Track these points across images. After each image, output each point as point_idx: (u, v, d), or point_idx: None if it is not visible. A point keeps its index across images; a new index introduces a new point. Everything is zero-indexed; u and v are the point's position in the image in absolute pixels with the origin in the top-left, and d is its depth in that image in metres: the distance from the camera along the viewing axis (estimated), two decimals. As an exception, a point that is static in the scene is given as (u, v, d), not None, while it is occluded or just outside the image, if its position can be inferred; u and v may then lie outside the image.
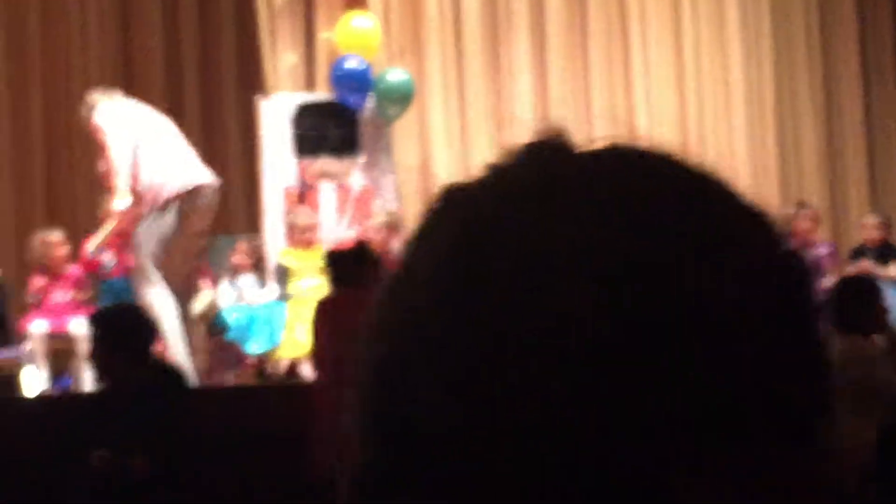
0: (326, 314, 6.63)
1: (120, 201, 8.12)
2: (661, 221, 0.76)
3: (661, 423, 0.72)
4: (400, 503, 0.77)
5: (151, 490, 5.64)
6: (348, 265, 6.77)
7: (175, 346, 7.98)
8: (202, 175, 8.34)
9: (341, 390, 5.57)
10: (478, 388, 0.74)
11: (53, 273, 9.11)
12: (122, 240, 8.70)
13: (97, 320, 6.24)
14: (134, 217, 8.15)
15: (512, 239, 0.76)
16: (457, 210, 0.81)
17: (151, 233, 8.08)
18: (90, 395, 6.95)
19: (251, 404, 7.51)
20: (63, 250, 9.14)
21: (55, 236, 9.22)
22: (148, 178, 8.09)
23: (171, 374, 6.12)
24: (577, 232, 0.75)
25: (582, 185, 0.78)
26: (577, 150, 0.82)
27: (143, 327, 6.14)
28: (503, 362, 0.73)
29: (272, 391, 8.21)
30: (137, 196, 8.09)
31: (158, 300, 8.00)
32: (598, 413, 0.72)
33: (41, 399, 7.49)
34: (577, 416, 0.72)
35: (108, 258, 9.07)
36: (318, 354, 6.63)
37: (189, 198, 8.15)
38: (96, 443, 5.70)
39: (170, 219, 8.07)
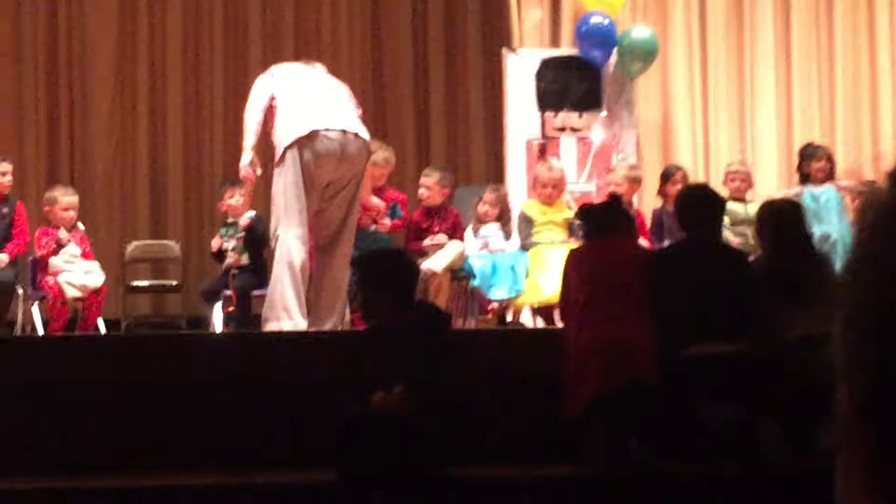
0: (578, 263, 6.81)
1: (242, 158, 8.33)
2: None
3: None
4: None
5: (414, 428, 5.91)
6: (601, 219, 6.94)
7: (274, 296, 8.07)
8: (320, 121, 8.04)
9: (587, 335, 5.81)
10: None
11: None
12: None
13: (361, 263, 6.55)
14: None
15: None
16: None
17: (279, 187, 8.10)
18: (356, 334, 7.26)
19: (498, 348, 7.73)
20: None
21: None
22: (276, 134, 8.19)
23: (434, 314, 6.38)
24: None
25: None
26: None
27: (405, 269, 6.41)
28: None
29: (518, 335, 8.43)
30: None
31: (284, 248, 8.05)
32: None
33: (306, 336, 7.81)
34: None
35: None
36: (568, 301, 6.82)
37: (304, 145, 7.99)
38: (363, 381, 6.00)
39: (291, 169, 8.01)
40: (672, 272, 6.62)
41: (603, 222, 6.91)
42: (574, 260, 6.87)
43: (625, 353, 6.38)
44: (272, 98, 8.26)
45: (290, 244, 8.02)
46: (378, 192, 9.50)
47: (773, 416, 6.31)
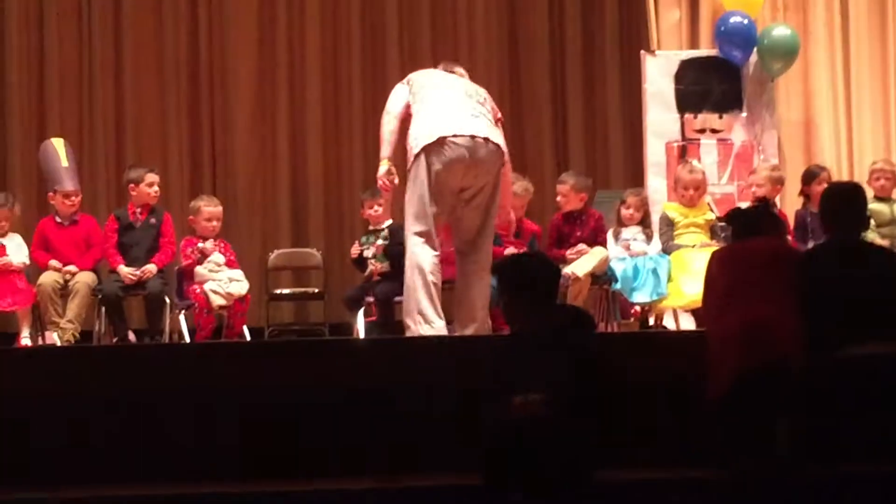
0: (722, 262, 6.73)
1: (379, 168, 8.41)
2: None
3: None
4: None
5: (554, 430, 5.89)
6: (749, 221, 6.85)
7: (409, 302, 8.11)
8: (448, 127, 8.09)
9: (728, 319, 5.75)
10: None
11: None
12: None
13: (501, 268, 6.54)
14: None
15: None
16: None
17: (410, 195, 8.16)
18: (499, 339, 7.26)
19: (643, 351, 7.68)
20: None
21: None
22: (409, 142, 8.23)
23: (578, 317, 6.34)
24: None
25: None
26: None
27: (545, 272, 6.38)
28: None
29: (663, 338, 8.37)
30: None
31: (413, 254, 8.13)
32: None
33: (448, 342, 7.85)
34: None
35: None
36: (710, 299, 6.75)
37: (432, 151, 8.06)
38: (508, 385, 5.99)
39: (421, 176, 8.08)
40: (821, 273, 6.50)
41: (750, 224, 6.81)
42: (718, 260, 6.78)
43: (764, 331, 6.29)
44: (407, 106, 8.31)
45: (418, 250, 8.10)
46: (516, 222, 9.50)
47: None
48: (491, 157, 8.18)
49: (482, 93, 8.56)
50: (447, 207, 8.19)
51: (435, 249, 8.13)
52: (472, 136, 8.10)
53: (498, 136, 8.28)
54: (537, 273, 6.31)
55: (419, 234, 8.11)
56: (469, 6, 12.46)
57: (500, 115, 8.58)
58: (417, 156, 8.09)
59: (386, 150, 8.36)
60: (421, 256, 8.10)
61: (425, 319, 8.05)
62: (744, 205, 8.49)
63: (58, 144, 9.76)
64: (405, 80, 8.60)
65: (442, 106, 8.23)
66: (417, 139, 8.13)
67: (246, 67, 12.21)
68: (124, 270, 9.33)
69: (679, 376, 6.86)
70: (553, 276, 6.44)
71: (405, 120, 8.33)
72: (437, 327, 8.06)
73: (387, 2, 12.41)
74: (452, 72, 8.68)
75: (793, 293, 6.45)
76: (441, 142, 8.04)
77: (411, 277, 8.11)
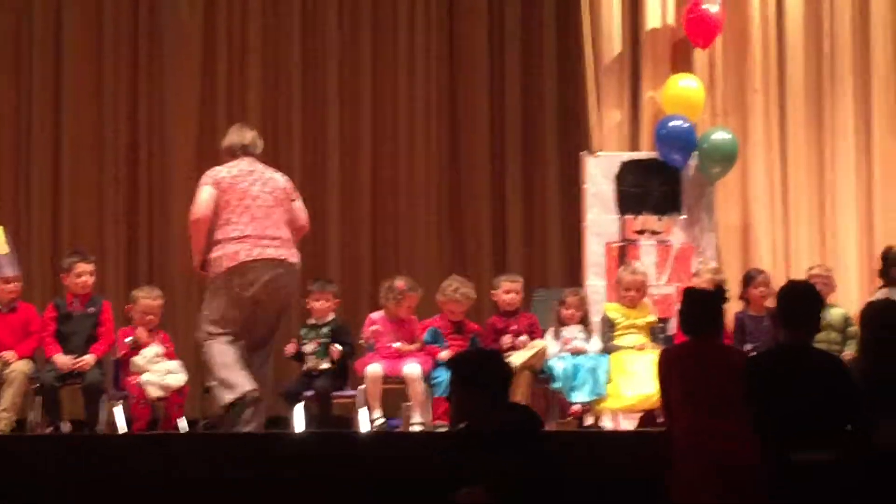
0: (674, 363, 6.72)
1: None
2: None
3: None
4: None
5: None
6: (703, 304, 6.80)
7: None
8: (247, 251, 8.51)
9: (694, 437, 5.73)
10: None
11: (395, 319, 9.52)
12: None
13: (456, 364, 6.50)
14: None
15: None
16: None
17: (210, 299, 8.72)
18: (450, 434, 7.22)
19: (582, 450, 7.67)
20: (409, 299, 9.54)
21: (404, 283, 9.60)
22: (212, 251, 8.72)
23: (528, 416, 6.31)
24: None
25: None
26: None
27: (499, 370, 6.36)
28: None
29: (603, 438, 8.38)
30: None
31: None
32: None
33: (393, 437, 7.84)
34: None
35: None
36: (669, 402, 6.73)
37: (234, 272, 8.52)
38: (453, 481, 5.94)
39: (222, 289, 8.61)
40: (769, 377, 6.51)
41: (701, 311, 6.76)
42: (670, 360, 6.76)
43: (735, 474, 6.29)
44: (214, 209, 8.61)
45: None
46: (458, 325, 9.52)
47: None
48: (287, 280, 8.66)
49: (281, 186, 8.80)
50: (242, 315, 8.60)
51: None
52: (272, 259, 8.55)
53: (294, 255, 8.69)
54: (494, 370, 6.29)
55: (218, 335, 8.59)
56: (410, 102, 12.50)
57: (293, 215, 8.83)
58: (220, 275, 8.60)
59: (197, 259, 8.86)
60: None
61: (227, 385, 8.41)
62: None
63: (-3, 231, 9.68)
64: (209, 177, 8.79)
65: (243, 222, 8.63)
66: (220, 260, 8.61)
67: (185, 154, 12.15)
68: (61, 359, 9.23)
69: (622, 477, 6.85)
70: (507, 374, 6.42)
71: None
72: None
73: (328, 88, 12.41)
74: (251, 164, 8.82)
75: (744, 409, 6.46)
76: (242, 267, 8.54)
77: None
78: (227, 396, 8.39)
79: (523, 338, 9.47)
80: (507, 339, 9.47)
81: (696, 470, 6.32)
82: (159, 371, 9.26)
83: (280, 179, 8.82)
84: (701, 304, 6.79)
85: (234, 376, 8.42)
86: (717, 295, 6.90)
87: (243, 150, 8.83)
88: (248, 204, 8.59)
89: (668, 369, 6.69)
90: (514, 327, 9.64)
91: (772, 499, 6.23)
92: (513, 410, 6.33)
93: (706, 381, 6.48)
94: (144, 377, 9.19)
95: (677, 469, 6.41)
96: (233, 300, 8.54)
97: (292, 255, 8.64)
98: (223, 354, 8.50)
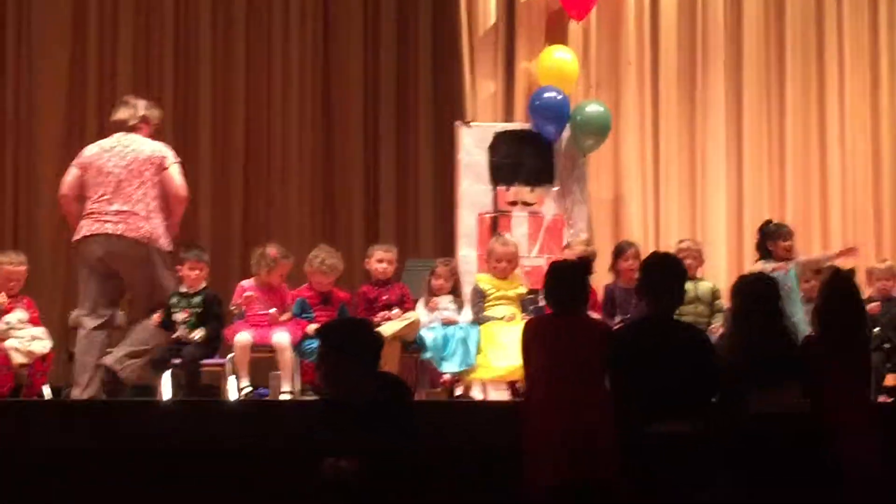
0: (539, 335, 6.73)
1: None
2: None
3: None
4: None
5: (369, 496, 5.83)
6: (568, 278, 6.81)
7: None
8: (89, 226, 8.88)
9: (549, 420, 5.76)
10: None
11: (266, 286, 9.43)
12: None
13: (326, 333, 6.45)
14: None
15: None
16: None
17: None
18: (319, 403, 7.18)
19: (451, 420, 7.68)
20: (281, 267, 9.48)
21: (276, 250, 9.54)
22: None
23: (397, 385, 6.29)
24: None
25: None
26: None
27: (370, 340, 6.33)
28: None
29: (472, 408, 8.38)
30: None
31: None
32: None
33: (260, 405, 7.77)
34: None
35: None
36: (530, 373, 6.75)
37: (80, 244, 8.90)
38: (323, 450, 5.91)
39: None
40: (631, 350, 6.55)
41: (566, 283, 6.77)
42: (533, 331, 6.78)
43: (586, 445, 6.31)
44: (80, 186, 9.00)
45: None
46: (325, 295, 9.46)
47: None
48: (126, 250, 8.86)
49: (135, 160, 8.97)
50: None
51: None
52: (108, 234, 8.84)
53: (134, 227, 8.87)
54: (363, 339, 6.25)
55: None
56: (283, 69, 12.39)
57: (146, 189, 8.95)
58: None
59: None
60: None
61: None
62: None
63: None
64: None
65: (93, 195, 8.99)
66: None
67: (53, 118, 11.96)
68: None
69: (489, 447, 6.86)
70: (377, 343, 6.38)
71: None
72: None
73: (200, 59, 12.27)
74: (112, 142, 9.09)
75: (604, 381, 6.50)
76: (84, 240, 8.92)
77: None
78: (75, 392, 8.84)
79: (395, 311, 9.43)
80: (381, 314, 9.42)
81: (548, 440, 6.34)
82: (23, 337, 9.09)
83: (146, 150, 8.96)
84: (565, 278, 6.79)
85: (82, 377, 8.82)
86: (580, 268, 6.93)
87: (115, 126, 9.11)
88: (101, 180, 8.91)
89: (531, 340, 6.71)
90: (386, 297, 9.60)
91: (625, 470, 6.27)
92: (382, 380, 6.30)
93: (566, 354, 6.50)
94: (8, 343, 9.02)
95: (530, 439, 6.43)
96: (85, 273, 8.93)
97: (134, 230, 8.84)
98: (81, 351, 8.90)
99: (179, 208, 9.06)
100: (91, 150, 9.03)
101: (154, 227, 8.90)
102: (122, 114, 9.14)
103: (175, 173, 8.99)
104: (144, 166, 8.92)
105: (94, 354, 8.81)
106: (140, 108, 9.18)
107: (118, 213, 8.86)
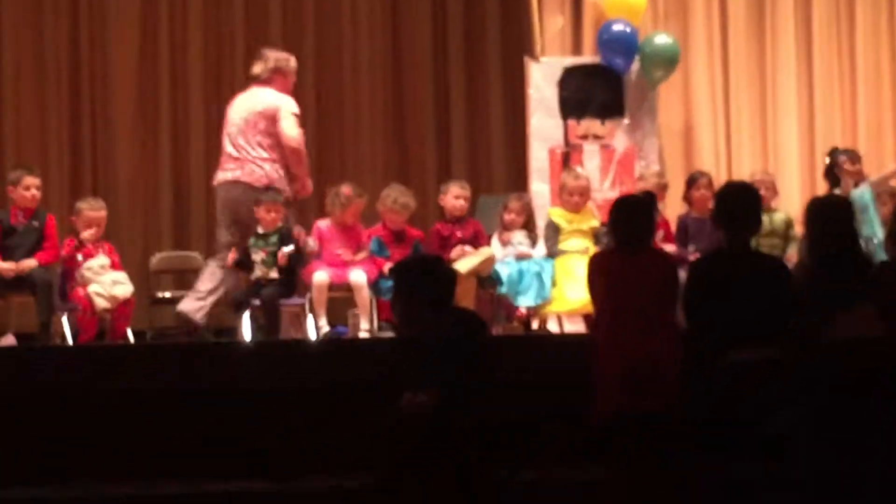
0: (604, 269, 6.74)
1: None
2: None
3: None
4: None
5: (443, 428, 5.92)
6: (631, 214, 6.81)
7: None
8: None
9: (616, 351, 5.83)
10: None
11: (341, 226, 9.55)
12: None
13: (398, 271, 6.53)
14: None
15: None
16: None
17: None
18: (396, 341, 7.29)
19: (526, 353, 7.76)
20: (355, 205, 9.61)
21: (350, 189, 9.68)
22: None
23: (471, 321, 6.35)
24: None
25: None
26: None
27: (443, 276, 6.39)
28: None
29: (547, 341, 8.47)
30: None
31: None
32: None
33: (339, 345, 7.89)
34: None
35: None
36: (596, 307, 6.79)
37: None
38: (401, 385, 6.00)
39: None
40: (707, 281, 6.55)
41: (632, 219, 6.77)
42: (598, 266, 6.78)
43: (652, 376, 6.37)
44: None
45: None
46: (399, 233, 9.55)
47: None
48: (240, 195, 9.58)
49: (257, 111, 9.62)
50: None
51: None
52: (226, 181, 9.69)
53: (246, 173, 9.62)
54: (436, 276, 6.32)
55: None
56: (353, 13, 12.43)
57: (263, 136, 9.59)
58: None
59: None
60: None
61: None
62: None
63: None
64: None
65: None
66: None
67: (127, 67, 12.06)
68: (2, 265, 9.16)
69: (564, 380, 6.93)
70: (451, 279, 6.44)
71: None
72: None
73: (270, 4, 12.34)
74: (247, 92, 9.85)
75: (673, 314, 6.52)
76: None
77: None
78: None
79: (467, 247, 9.50)
80: (456, 250, 9.49)
81: (613, 372, 6.40)
82: (105, 282, 9.24)
83: (262, 103, 9.62)
84: (628, 214, 6.78)
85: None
86: (644, 203, 6.90)
87: (251, 80, 9.86)
88: (227, 131, 9.76)
89: (594, 274, 6.72)
90: (460, 233, 9.68)
91: (695, 401, 6.31)
92: (456, 316, 6.36)
93: (631, 288, 6.51)
94: (91, 288, 9.17)
95: (598, 370, 6.49)
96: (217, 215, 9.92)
97: (248, 175, 9.54)
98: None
99: (293, 158, 9.58)
100: (231, 104, 9.85)
101: (267, 173, 9.52)
102: (255, 68, 9.77)
103: (286, 125, 9.53)
104: (258, 118, 9.54)
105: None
106: (271, 60, 9.73)
107: (235, 159, 9.60)
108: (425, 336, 6.10)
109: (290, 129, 9.52)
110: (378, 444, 5.98)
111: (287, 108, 9.54)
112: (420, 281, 6.24)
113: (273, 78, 9.66)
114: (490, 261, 9.41)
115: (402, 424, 5.90)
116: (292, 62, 9.82)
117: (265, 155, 9.53)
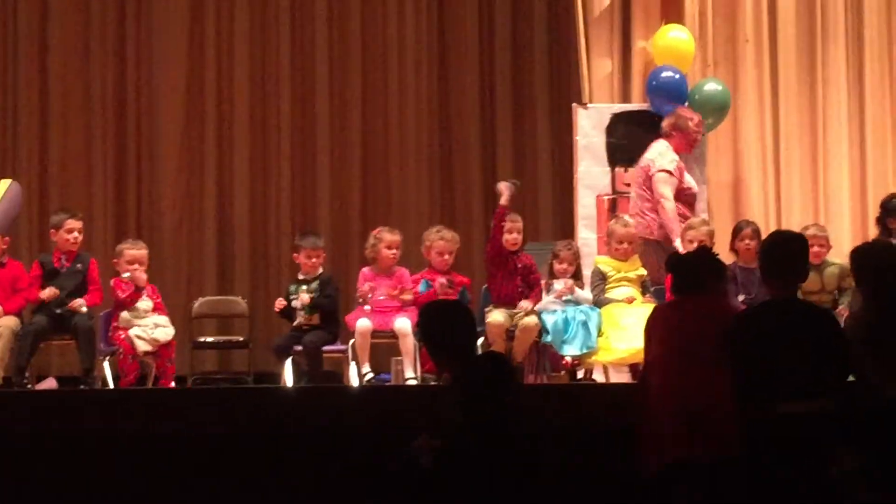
0: (662, 319, 6.68)
1: None
2: None
3: None
4: None
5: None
6: (690, 270, 6.76)
7: None
8: None
9: (670, 399, 5.70)
10: None
11: (383, 272, 9.48)
12: None
13: (426, 314, 6.44)
14: None
15: None
16: None
17: None
18: (423, 387, 7.24)
19: (570, 403, 7.68)
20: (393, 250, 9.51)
21: (379, 229, 9.61)
22: None
23: (496, 363, 6.24)
24: None
25: None
26: None
27: (467, 321, 6.29)
28: None
29: (592, 390, 8.38)
30: None
31: None
32: None
33: (381, 390, 7.84)
34: None
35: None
36: (651, 358, 6.69)
37: None
38: (423, 430, 5.91)
39: None
40: (756, 331, 6.43)
41: (691, 274, 6.72)
42: (658, 316, 6.73)
43: (705, 425, 6.27)
44: None
45: None
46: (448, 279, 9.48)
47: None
48: None
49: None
50: None
51: None
52: None
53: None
54: (459, 319, 6.23)
55: None
56: (399, 59, 12.43)
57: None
58: None
59: None
60: None
61: None
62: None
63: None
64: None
65: None
66: None
67: (173, 110, 12.12)
68: (48, 292, 9.13)
69: (610, 430, 6.84)
70: (471, 325, 6.34)
71: None
72: None
73: (316, 47, 12.35)
74: None
75: (726, 362, 6.41)
76: None
77: None
78: None
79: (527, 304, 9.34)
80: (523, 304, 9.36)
81: (668, 422, 6.30)
82: (147, 325, 9.19)
83: (646, 158, 10.23)
84: (684, 268, 6.73)
85: None
86: (699, 256, 6.86)
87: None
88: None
89: (654, 324, 6.66)
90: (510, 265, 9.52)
91: (748, 451, 6.19)
92: (482, 359, 6.24)
93: (689, 335, 6.43)
94: (132, 331, 9.12)
95: (648, 419, 6.40)
96: None
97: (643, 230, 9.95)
98: None
99: (662, 213, 9.95)
100: None
101: (647, 223, 9.99)
102: (663, 121, 10.30)
103: (657, 181, 10.02)
104: (639, 173, 10.17)
105: None
106: (676, 118, 10.24)
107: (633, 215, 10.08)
108: (454, 378, 6.02)
109: (660, 186, 10.04)
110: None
111: (657, 165, 10.05)
112: (440, 324, 6.15)
113: (671, 133, 10.25)
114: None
115: (404, 469, 5.82)
116: (695, 120, 10.30)
117: (645, 207, 10.09)
